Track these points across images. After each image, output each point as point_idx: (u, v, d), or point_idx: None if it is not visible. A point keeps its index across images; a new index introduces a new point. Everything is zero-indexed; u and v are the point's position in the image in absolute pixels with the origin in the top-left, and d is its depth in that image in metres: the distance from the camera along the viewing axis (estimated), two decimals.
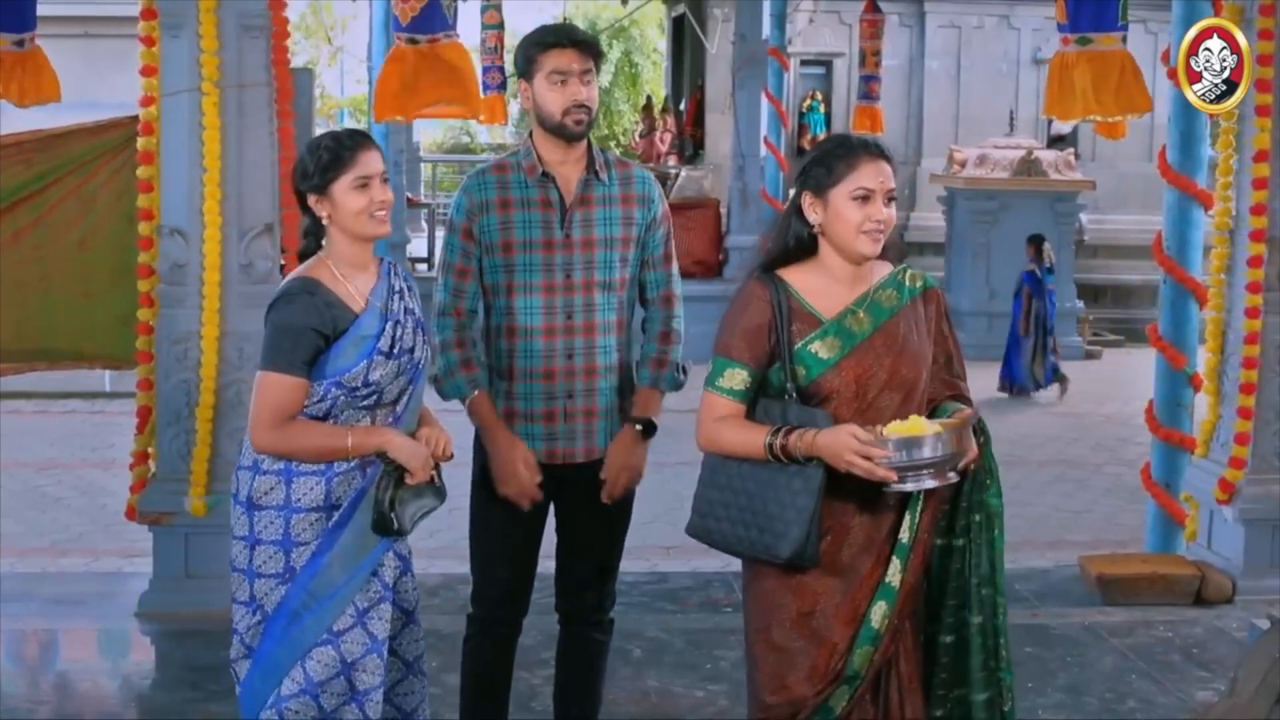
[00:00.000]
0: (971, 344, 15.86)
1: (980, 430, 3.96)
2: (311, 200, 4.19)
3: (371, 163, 4.17)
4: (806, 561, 3.85)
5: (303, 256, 4.29)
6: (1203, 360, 7.70)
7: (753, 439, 3.88)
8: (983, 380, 13.45)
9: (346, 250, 4.22)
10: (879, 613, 3.92)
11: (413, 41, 8.27)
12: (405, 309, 4.28)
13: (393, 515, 4.12)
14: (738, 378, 3.94)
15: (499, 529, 4.77)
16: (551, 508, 4.86)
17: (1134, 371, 13.98)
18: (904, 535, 3.93)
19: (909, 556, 3.93)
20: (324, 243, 4.25)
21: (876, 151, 3.95)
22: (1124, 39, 8.62)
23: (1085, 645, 6.78)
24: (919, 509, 3.93)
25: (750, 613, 4.07)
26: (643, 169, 4.95)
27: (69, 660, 6.78)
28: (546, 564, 4.92)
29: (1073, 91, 8.64)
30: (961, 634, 4.03)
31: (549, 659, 5.04)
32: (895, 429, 3.77)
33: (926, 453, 3.73)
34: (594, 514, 4.84)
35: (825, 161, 3.95)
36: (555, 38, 4.67)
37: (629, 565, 7.70)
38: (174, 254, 6.80)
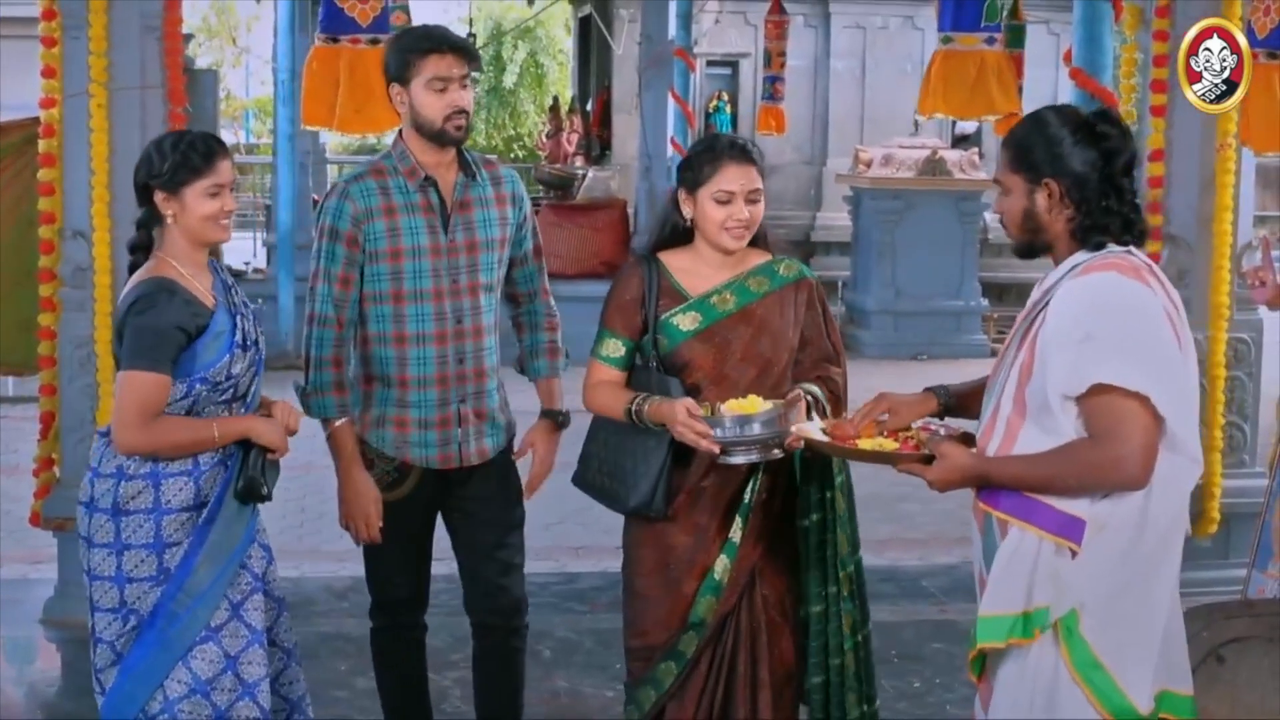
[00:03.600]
0: (878, 343, 16.06)
1: (823, 412, 4.31)
2: (159, 197, 4.23)
3: (226, 171, 4.26)
4: (653, 514, 4.33)
5: (134, 249, 4.32)
6: None
7: (618, 403, 4.34)
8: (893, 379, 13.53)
9: (188, 250, 4.27)
10: (721, 566, 4.35)
11: (374, 42, 8.02)
12: (242, 301, 4.36)
13: (263, 480, 4.23)
14: (613, 346, 4.42)
15: (391, 536, 4.73)
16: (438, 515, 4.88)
17: None
18: (747, 496, 4.36)
19: (749, 515, 4.36)
20: (155, 239, 4.28)
21: (740, 155, 4.33)
22: (990, 40, 8.64)
23: None
24: (759, 473, 4.33)
25: (623, 563, 4.52)
26: (509, 167, 4.97)
27: None
28: (449, 565, 4.93)
29: (927, 89, 8.74)
30: (826, 607, 4.37)
31: (457, 660, 5.05)
32: (732, 406, 4.15)
33: (756, 430, 4.09)
34: (492, 515, 4.86)
35: (694, 164, 4.36)
36: (435, 43, 4.61)
37: (538, 566, 7.75)
38: (77, 257, 6.74)
